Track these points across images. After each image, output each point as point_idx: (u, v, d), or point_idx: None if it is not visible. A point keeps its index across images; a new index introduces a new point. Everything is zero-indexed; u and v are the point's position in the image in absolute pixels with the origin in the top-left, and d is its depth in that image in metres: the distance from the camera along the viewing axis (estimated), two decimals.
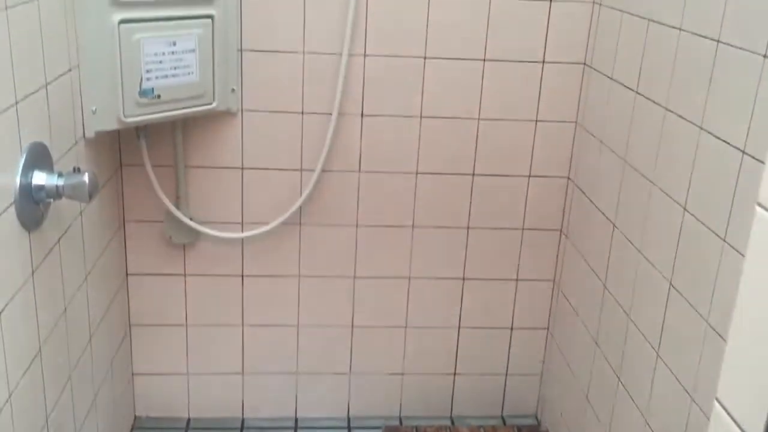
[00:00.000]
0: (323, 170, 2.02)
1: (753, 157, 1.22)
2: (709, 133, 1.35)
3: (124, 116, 1.68)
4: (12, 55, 1.24)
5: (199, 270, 2.09)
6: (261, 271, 2.11)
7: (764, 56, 1.19)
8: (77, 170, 1.37)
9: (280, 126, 1.98)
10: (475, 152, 2.05)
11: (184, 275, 2.09)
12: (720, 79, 1.33)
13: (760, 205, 0.38)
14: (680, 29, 1.47)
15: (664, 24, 1.54)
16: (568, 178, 2.10)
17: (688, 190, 1.42)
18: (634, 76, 1.68)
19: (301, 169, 2.03)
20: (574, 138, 2.06)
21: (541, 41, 1.96)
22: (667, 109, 1.52)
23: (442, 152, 2.05)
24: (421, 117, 2.01)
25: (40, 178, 1.32)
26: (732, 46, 1.29)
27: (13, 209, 1.25)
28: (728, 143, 1.29)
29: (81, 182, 1.34)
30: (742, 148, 1.25)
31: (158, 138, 1.93)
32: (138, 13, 1.65)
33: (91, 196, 1.36)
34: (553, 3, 1.93)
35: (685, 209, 1.43)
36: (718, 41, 1.33)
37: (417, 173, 2.06)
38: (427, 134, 2.02)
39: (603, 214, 1.84)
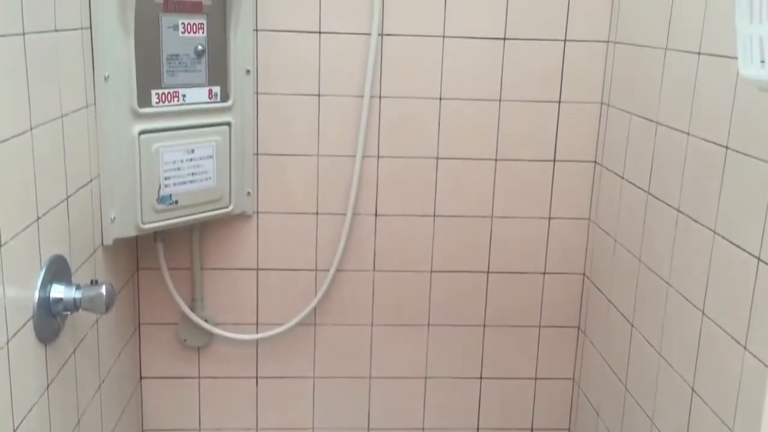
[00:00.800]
0: (338, 270, 2.03)
1: None
2: (723, 237, 1.35)
3: (143, 223, 1.71)
4: (36, 172, 1.27)
5: (214, 372, 2.07)
6: (275, 373, 2.09)
7: None
8: (95, 282, 1.39)
9: (294, 227, 2.01)
10: (490, 250, 2.06)
11: (198, 378, 2.07)
12: (731, 185, 1.34)
13: None
14: (688, 134, 1.50)
15: (672, 128, 1.57)
16: (584, 275, 2.09)
17: (705, 294, 1.41)
18: (645, 177, 1.69)
19: (316, 269, 2.04)
20: (588, 235, 2.06)
21: (551, 140, 2.00)
22: (679, 211, 1.53)
23: (457, 250, 2.05)
24: (434, 216, 2.03)
25: (58, 291, 1.33)
26: (742, 153, 1.30)
27: (31, 324, 1.26)
28: (743, 249, 1.29)
29: (98, 294, 1.36)
30: (757, 255, 1.25)
31: (175, 241, 1.96)
32: (158, 123, 1.70)
33: (108, 309, 1.37)
34: (562, 104, 1.97)
35: (703, 313, 1.42)
36: (726, 147, 1.35)
37: (431, 272, 2.07)
38: (441, 233, 2.04)
39: (620, 312, 1.83)
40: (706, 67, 1.43)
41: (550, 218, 2.05)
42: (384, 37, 1.91)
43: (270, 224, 2.00)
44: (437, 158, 1.99)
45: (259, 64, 1.90)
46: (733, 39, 1.33)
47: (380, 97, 1.94)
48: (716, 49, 1.39)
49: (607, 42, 1.93)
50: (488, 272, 2.07)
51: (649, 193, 1.67)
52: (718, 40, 1.39)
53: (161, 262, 1.92)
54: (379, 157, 1.98)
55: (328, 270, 2.02)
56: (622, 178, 1.83)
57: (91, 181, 1.58)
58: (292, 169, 1.97)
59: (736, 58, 1.30)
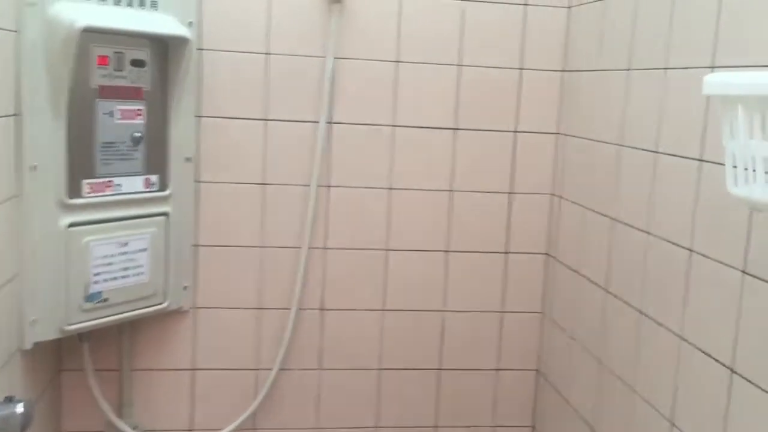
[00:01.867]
0: (281, 369, 1.90)
1: (744, 378, 1.16)
2: (691, 344, 1.30)
3: (68, 324, 1.55)
4: None
5: None
6: None
7: (743, 272, 1.17)
8: (10, 399, 1.23)
9: (235, 323, 1.87)
10: (441, 346, 1.97)
11: None
12: (697, 289, 1.29)
13: None
14: (648, 233, 1.46)
15: (631, 226, 1.53)
16: (537, 371, 2.02)
17: (674, 404, 1.35)
18: (602, 273, 1.65)
19: (257, 369, 1.90)
20: (541, 330, 2.00)
21: (502, 231, 1.94)
22: (642, 313, 1.48)
23: (407, 347, 1.96)
24: (383, 310, 1.93)
25: None
26: (707, 257, 1.26)
27: None
28: (713, 358, 1.23)
29: (12, 415, 1.20)
30: (730, 366, 1.19)
31: (102, 340, 1.80)
32: (89, 215, 1.57)
33: (23, 429, 1.21)
34: (513, 195, 1.93)
35: (673, 425, 1.35)
36: (691, 251, 1.31)
37: (380, 369, 1.95)
38: (391, 328, 1.94)
39: (578, 413, 1.75)
40: (664, 165, 1.41)
41: (502, 312, 1.98)
42: (333, 125, 1.84)
43: (208, 320, 1.86)
44: (386, 250, 1.91)
45: (201, 152, 1.80)
46: (691, 138, 1.31)
47: (328, 187, 1.86)
48: (674, 149, 1.37)
49: (557, 134, 1.92)
50: (440, 369, 1.98)
51: (608, 291, 1.62)
52: (676, 139, 1.37)
53: (86, 363, 1.75)
54: (326, 248, 1.89)
55: (270, 369, 1.89)
56: (577, 273, 1.78)
57: (10, 279, 1.43)
58: (233, 262, 1.85)
59: (695, 159, 1.28)
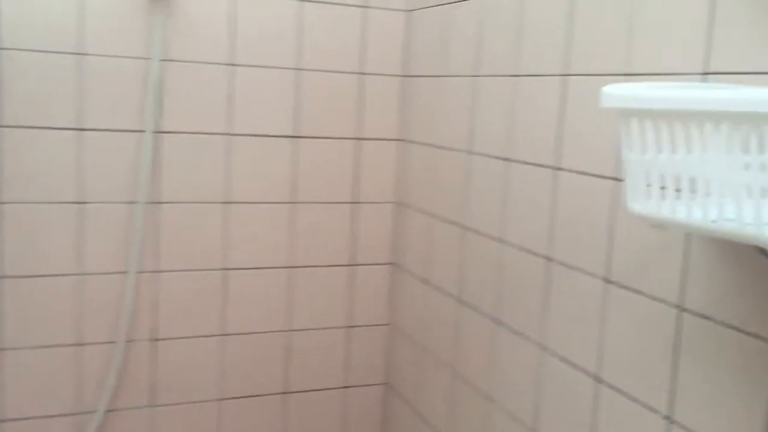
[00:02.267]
0: (108, 410, 1.68)
1: (610, 386, 1.16)
2: (554, 353, 1.30)
3: None
4: None
5: None
6: None
7: (605, 280, 1.17)
8: None
9: (50, 363, 1.63)
10: (287, 368, 1.85)
11: None
12: (558, 298, 1.29)
13: None
14: (503, 241, 1.45)
15: (483, 234, 1.51)
16: (387, 385, 1.96)
17: (537, 414, 1.34)
18: (454, 283, 1.62)
19: (79, 413, 1.67)
20: (390, 342, 1.94)
21: (346, 242, 1.86)
22: (498, 322, 1.46)
23: (250, 372, 1.81)
24: (223, 335, 1.77)
25: None
26: (567, 265, 1.26)
27: None
28: (578, 367, 1.23)
29: None
30: (596, 375, 1.19)
31: None
32: None
33: None
34: (355, 205, 1.86)
35: None
36: (549, 258, 1.31)
37: (221, 400, 1.80)
38: (233, 353, 1.79)
39: (432, 426, 1.71)
40: (517, 173, 1.40)
41: (348, 327, 1.90)
42: (161, 134, 1.66)
43: (18, 363, 1.60)
44: (225, 269, 1.76)
45: (3, 167, 1.54)
46: (545, 146, 1.31)
47: (158, 203, 1.67)
48: (527, 157, 1.36)
49: (399, 140, 1.87)
50: (284, 392, 1.86)
51: (461, 300, 1.60)
52: (529, 147, 1.36)
53: None
54: (157, 271, 1.69)
55: (94, 411, 1.66)
56: (426, 282, 1.74)
57: None
58: (45, 293, 1.61)
59: (550, 167, 1.27)
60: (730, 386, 0.96)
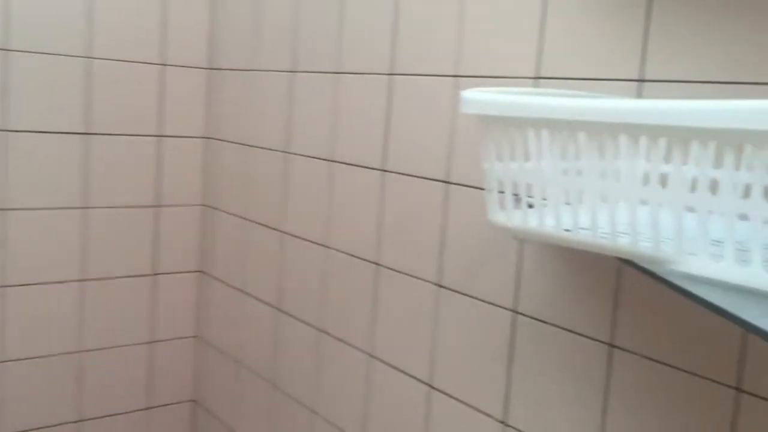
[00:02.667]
0: None
1: (442, 392, 1.14)
2: (383, 362, 1.26)
3: None
4: None
5: None
6: None
7: (438, 285, 1.15)
8: None
9: None
10: (79, 393, 1.64)
11: None
12: (388, 304, 1.25)
13: None
14: (327, 247, 1.38)
15: (305, 240, 1.44)
16: (194, 402, 1.82)
17: (365, 423, 1.29)
18: (271, 290, 1.53)
19: None
20: (196, 356, 1.80)
21: (148, 249, 1.69)
22: (322, 331, 1.39)
23: (35, 403, 1.59)
24: (2, 362, 1.53)
25: None
26: (397, 271, 1.23)
27: None
28: (409, 375, 1.20)
29: None
30: (428, 382, 1.17)
31: None
32: None
33: None
34: (157, 208, 1.69)
35: None
36: (378, 264, 1.26)
37: None
38: (12, 385, 1.55)
39: None
40: (342, 175, 1.34)
41: (151, 342, 1.73)
42: None
43: None
44: (2, 287, 1.52)
45: None
46: (370, 146, 1.26)
47: None
48: (351, 158, 1.31)
49: (207, 138, 1.73)
50: (79, 421, 1.65)
51: (279, 309, 1.51)
52: (352, 148, 1.31)
53: None
54: None
55: None
56: (239, 290, 1.63)
57: None
58: None
59: (377, 168, 1.23)
60: (564, 387, 0.97)
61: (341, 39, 1.32)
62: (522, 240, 0.90)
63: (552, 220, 0.68)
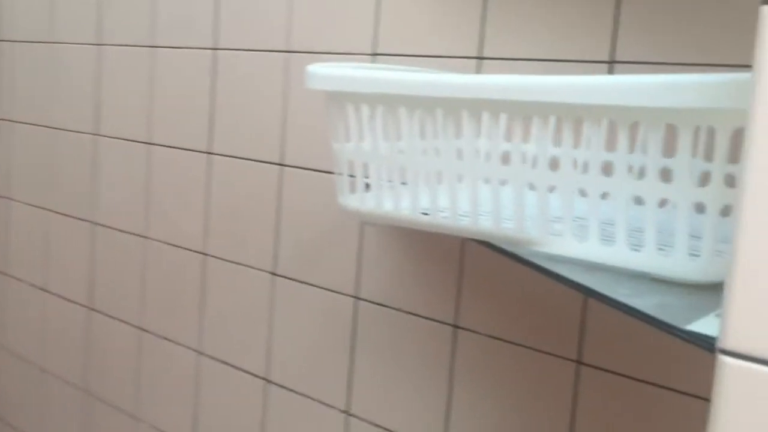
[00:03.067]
0: None
1: (282, 386, 1.09)
2: (213, 358, 1.17)
3: None
4: None
5: None
6: None
7: (273, 274, 1.09)
8: None
9: None
10: None
11: None
12: (216, 296, 1.16)
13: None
14: (146, 237, 1.26)
15: (114, 229, 1.30)
16: None
17: (195, 424, 1.21)
18: (82, 288, 1.38)
19: None
20: None
21: None
22: (141, 329, 1.28)
23: None
24: None
25: None
26: (226, 260, 1.14)
27: None
28: (244, 370, 1.13)
29: None
30: (264, 376, 1.11)
31: None
32: None
33: None
34: None
35: None
36: (205, 254, 1.17)
37: None
38: None
39: None
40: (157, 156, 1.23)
41: None
42: None
43: None
44: None
45: None
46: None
47: None
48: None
49: None
50: None
51: (91, 308, 1.36)
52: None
53: None
54: None
55: None
56: (26, 282, 1.46)
57: None
58: None
59: (200, 151, 1.14)
60: (409, 372, 0.95)
61: (156, 10, 1.20)
62: (373, 225, 0.86)
63: (407, 203, 0.64)
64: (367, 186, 0.67)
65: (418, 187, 0.63)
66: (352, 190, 0.68)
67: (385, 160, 0.64)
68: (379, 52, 0.95)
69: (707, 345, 0.41)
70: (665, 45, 0.73)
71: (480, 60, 0.86)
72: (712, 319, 0.44)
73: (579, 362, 0.81)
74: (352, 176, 0.67)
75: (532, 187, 0.56)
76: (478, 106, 0.58)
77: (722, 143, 0.47)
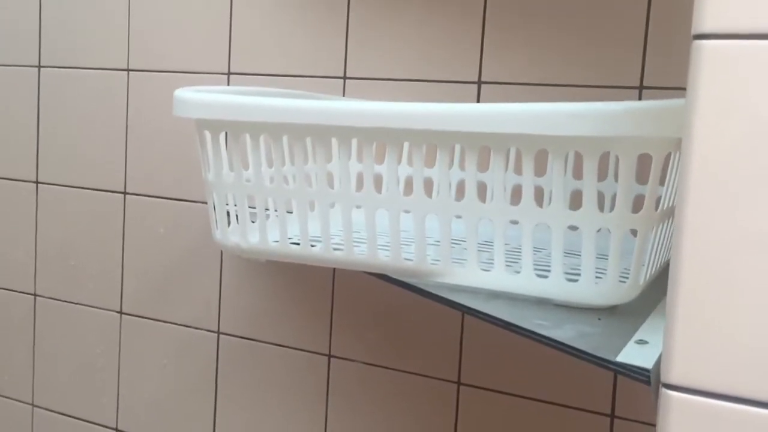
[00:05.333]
0: None
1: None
2: None
3: None
4: None
5: None
6: None
7: (120, 313, 0.99)
8: None
9: None
10: None
11: None
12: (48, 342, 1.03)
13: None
14: None
15: None
16: None
17: None
18: None
19: None
20: None
21: None
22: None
23: None
24: None
25: None
26: (56, 299, 1.02)
27: None
28: None
29: None
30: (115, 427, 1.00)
31: None
32: None
33: None
34: None
35: None
36: (34, 295, 1.04)
37: None
38: None
39: None
40: None
41: None
42: None
43: None
44: None
45: None
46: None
47: None
48: None
49: None
50: None
51: None
52: None
53: None
54: None
55: None
56: None
57: None
58: None
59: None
60: (280, 406, 0.90)
61: None
62: (257, 260, 0.80)
63: (284, 235, 0.60)
64: (247, 219, 0.61)
65: (306, 219, 0.59)
66: (228, 224, 0.62)
67: (262, 191, 0.59)
68: (234, 71, 0.89)
69: (643, 377, 0.40)
70: (529, 66, 0.74)
71: (345, 80, 0.83)
72: (635, 347, 0.44)
73: (459, 383, 0.80)
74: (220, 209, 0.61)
75: (439, 216, 0.54)
76: (371, 135, 0.55)
77: (627, 168, 0.48)
